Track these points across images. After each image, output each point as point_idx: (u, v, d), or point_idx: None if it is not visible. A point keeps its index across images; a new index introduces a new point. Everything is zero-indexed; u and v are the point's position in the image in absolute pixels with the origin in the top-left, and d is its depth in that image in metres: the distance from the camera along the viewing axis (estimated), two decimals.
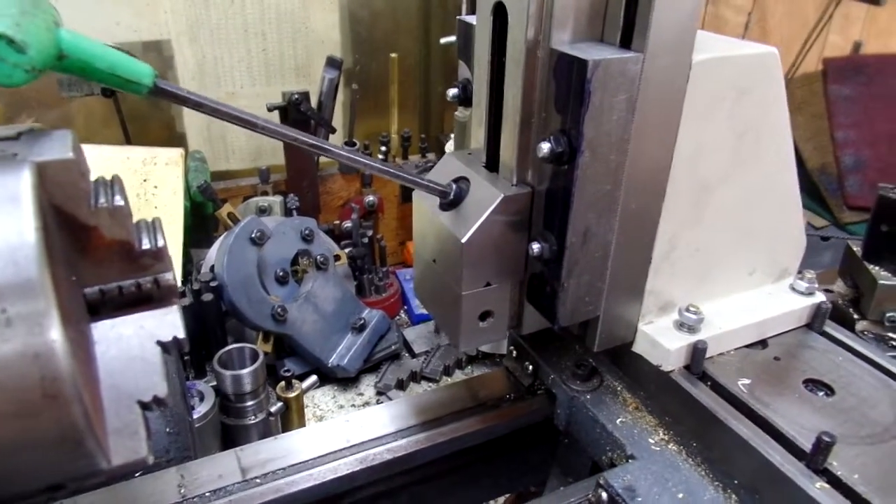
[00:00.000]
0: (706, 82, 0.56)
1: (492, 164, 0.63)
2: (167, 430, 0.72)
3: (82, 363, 0.38)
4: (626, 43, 0.53)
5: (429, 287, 0.69)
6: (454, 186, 0.62)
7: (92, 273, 0.42)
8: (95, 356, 0.42)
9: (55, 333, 0.34)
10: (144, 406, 0.42)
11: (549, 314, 0.62)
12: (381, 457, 0.69)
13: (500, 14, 0.57)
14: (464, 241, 0.58)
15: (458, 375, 1.47)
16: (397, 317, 1.66)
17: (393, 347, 1.48)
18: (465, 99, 0.68)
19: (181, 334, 0.43)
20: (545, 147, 0.54)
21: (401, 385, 1.42)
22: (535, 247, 0.59)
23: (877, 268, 0.89)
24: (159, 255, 0.43)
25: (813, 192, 2.02)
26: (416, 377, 1.45)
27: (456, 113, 0.72)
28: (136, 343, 0.43)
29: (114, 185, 0.41)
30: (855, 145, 1.95)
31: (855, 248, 0.94)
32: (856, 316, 0.90)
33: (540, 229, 0.60)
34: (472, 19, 0.65)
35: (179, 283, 1.32)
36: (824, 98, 2.06)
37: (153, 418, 0.70)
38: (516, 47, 0.55)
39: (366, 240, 1.59)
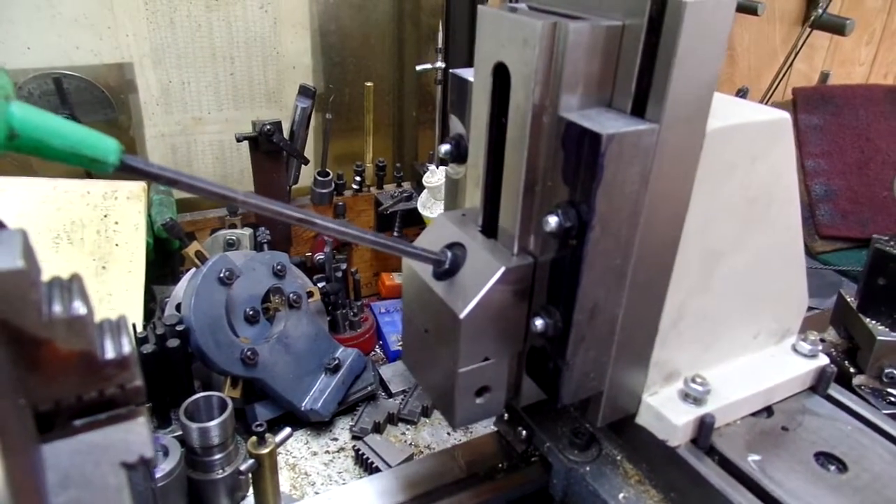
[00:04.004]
0: (720, 151, 0.53)
1: (489, 229, 0.59)
2: None
3: (29, 500, 0.32)
4: (638, 111, 0.50)
5: (419, 357, 0.64)
6: (449, 254, 0.58)
7: (44, 389, 0.36)
8: (46, 487, 0.36)
9: None
10: None
11: (551, 392, 0.58)
12: None
13: (500, 74, 0.53)
14: (462, 316, 0.54)
15: (437, 416, 1.42)
16: (373, 353, 1.60)
17: (369, 388, 1.42)
18: (459, 155, 0.64)
19: (149, 453, 0.37)
20: (553, 221, 0.50)
21: (377, 428, 1.36)
22: (539, 323, 0.55)
23: (874, 322, 0.88)
24: (125, 363, 0.37)
25: None
26: (393, 419, 1.39)
27: (447, 169, 0.68)
28: (95, 467, 0.37)
29: (72, 285, 0.35)
30: (825, 174, 1.97)
31: (848, 298, 0.92)
32: (852, 369, 0.88)
33: (543, 303, 0.56)
34: (466, 73, 0.61)
35: (141, 327, 1.24)
36: (795, 127, 2.09)
37: None
38: (520, 112, 0.51)
39: (339, 274, 1.53)
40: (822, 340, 0.96)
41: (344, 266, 1.56)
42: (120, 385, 0.39)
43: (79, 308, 0.35)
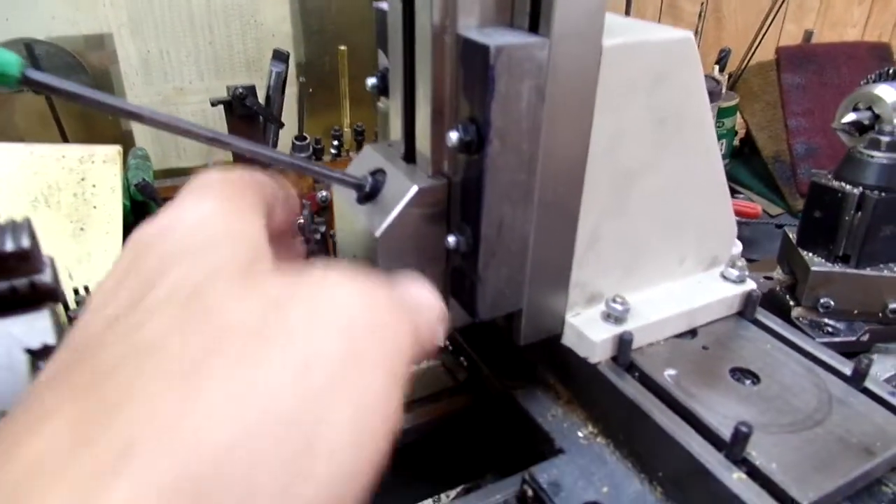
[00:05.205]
0: (619, 68, 0.55)
1: (409, 155, 0.62)
2: None
3: None
4: (534, 27, 0.52)
5: None
6: (370, 179, 0.60)
7: None
8: None
9: None
10: None
11: (469, 308, 0.61)
12: None
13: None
14: (378, 234, 0.57)
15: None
16: None
17: None
18: (384, 89, 0.66)
19: (52, 340, 0.41)
20: (454, 136, 0.52)
21: None
22: (451, 239, 0.57)
23: (810, 254, 0.90)
24: (25, 256, 0.40)
25: (768, 180, 2.04)
26: None
27: (378, 103, 0.70)
28: (1, 352, 0.40)
29: None
30: (807, 133, 1.97)
31: (792, 235, 0.94)
32: (791, 302, 0.90)
33: (457, 221, 0.59)
34: (386, 6, 0.63)
35: None
36: (778, 87, 2.08)
37: None
38: (423, 33, 0.53)
39: (318, 236, 1.56)
40: (769, 278, 0.99)
41: (323, 228, 1.59)
42: (30, 281, 0.42)
43: None
